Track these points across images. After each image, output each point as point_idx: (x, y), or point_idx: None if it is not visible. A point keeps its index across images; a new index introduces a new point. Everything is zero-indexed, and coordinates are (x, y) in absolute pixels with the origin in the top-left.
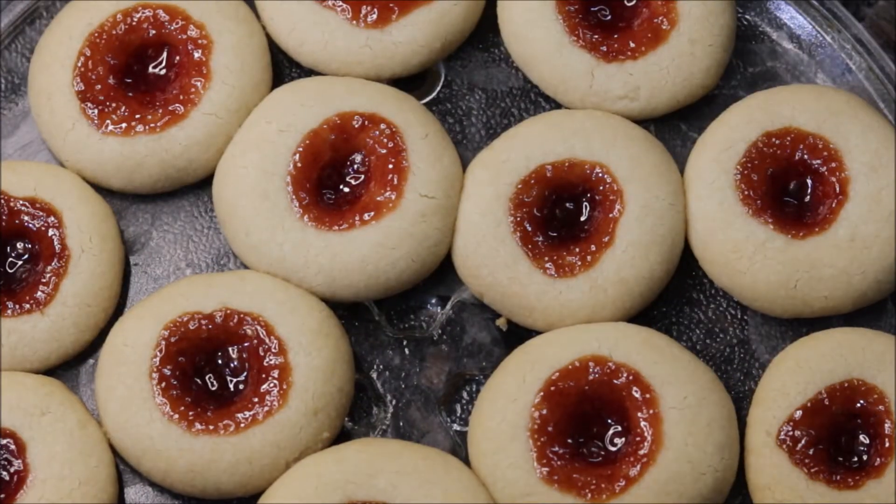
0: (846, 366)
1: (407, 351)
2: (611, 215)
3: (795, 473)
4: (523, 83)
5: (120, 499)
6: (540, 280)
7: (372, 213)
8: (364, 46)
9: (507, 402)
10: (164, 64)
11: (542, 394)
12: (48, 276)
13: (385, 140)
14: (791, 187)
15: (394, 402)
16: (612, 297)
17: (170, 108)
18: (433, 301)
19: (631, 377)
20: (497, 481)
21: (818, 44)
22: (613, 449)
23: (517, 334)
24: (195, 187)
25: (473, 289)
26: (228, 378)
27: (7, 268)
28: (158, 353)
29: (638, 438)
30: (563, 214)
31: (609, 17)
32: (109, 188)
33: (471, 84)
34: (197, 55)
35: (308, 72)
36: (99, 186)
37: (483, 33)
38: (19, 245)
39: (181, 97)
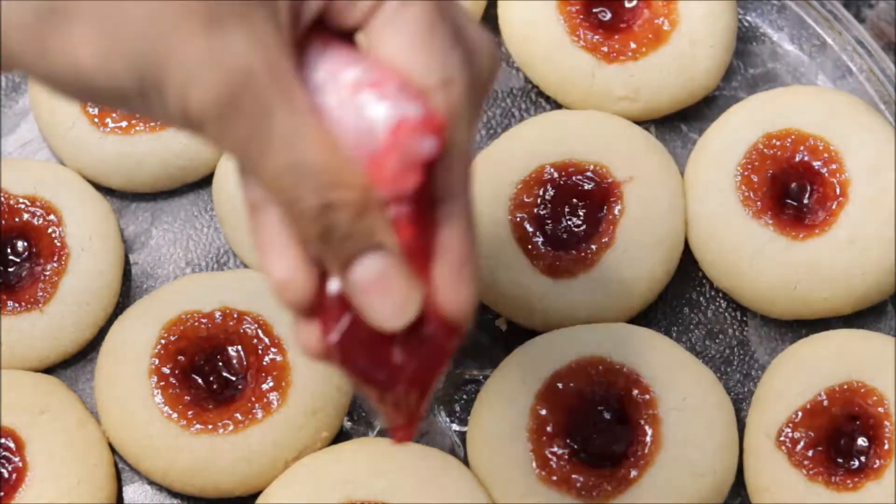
0: (846, 368)
1: None
2: (611, 216)
3: (794, 475)
4: (524, 83)
5: (118, 497)
6: (540, 280)
7: None
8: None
9: (507, 402)
10: None
11: (541, 394)
12: (47, 274)
13: None
14: (791, 189)
15: None
16: (612, 297)
17: None
18: None
19: (630, 378)
20: (496, 481)
21: (819, 45)
22: (613, 450)
23: (517, 334)
24: (195, 186)
25: None
26: (227, 377)
27: (6, 266)
28: (158, 352)
29: (637, 439)
30: (562, 215)
31: (610, 18)
32: (109, 187)
33: None
34: None
35: None
36: (99, 185)
37: None
38: (19, 243)
39: None
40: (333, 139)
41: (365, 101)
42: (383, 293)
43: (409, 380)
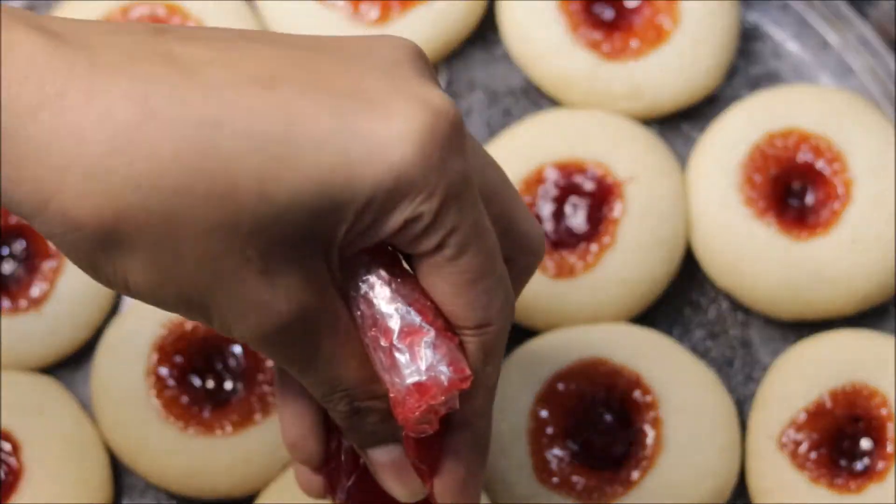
0: (849, 369)
1: None
2: (612, 216)
3: (797, 477)
4: (524, 82)
5: (115, 499)
6: (541, 281)
7: None
8: None
9: (507, 403)
10: None
11: (541, 395)
12: (44, 274)
13: None
14: (793, 188)
15: None
16: (614, 298)
17: None
18: None
19: (632, 379)
20: (496, 483)
21: (821, 44)
22: (614, 452)
23: (517, 335)
24: None
25: None
26: (225, 378)
27: (3, 266)
28: (155, 353)
29: (639, 441)
30: (563, 215)
31: (611, 17)
32: None
33: (471, 83)
34: None
35: None
36: None
37: (484, 32)
38: (16, 243)
39: None
40: (366, 357)
41: (399, 355)
42: (397, 476)
43: None
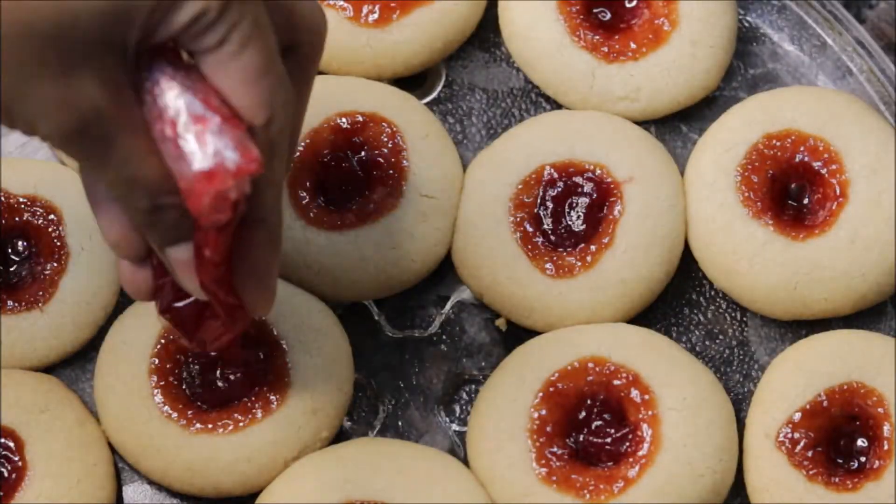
0: (846, 368)
1: (406, 351)
2: (611, 216)
3: (794, 475)
4: (524, 83)
5: (118, 497)
6: (539, 280)
7: (372, 213)
8: (365, 46)
9: (506, 402)
10: None
11: (541, 394)
12: (47, 273)
13: (385, 140)
14: (791, 189)
15: (392, 401)
16: (612, 297)
17: None
18: (432, 301)
19: (630, 378)
20: (495, 481)
21: (819, 46)
22: (612, 450)
23: (516, 334)
24: None
25: (473, 289)
26: (227, 377)
27: (6, 265)
28: (157, 352)
29: (637, 439)
30: (562, 215)
31: (610, 18)
32: None
33: (471, 84)
34: None
35: None
36: None
37: (484, 33)
38: (19, 243)
39: None
40: (161, 156)
41: (185, 144)
42: (192, 272)
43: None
